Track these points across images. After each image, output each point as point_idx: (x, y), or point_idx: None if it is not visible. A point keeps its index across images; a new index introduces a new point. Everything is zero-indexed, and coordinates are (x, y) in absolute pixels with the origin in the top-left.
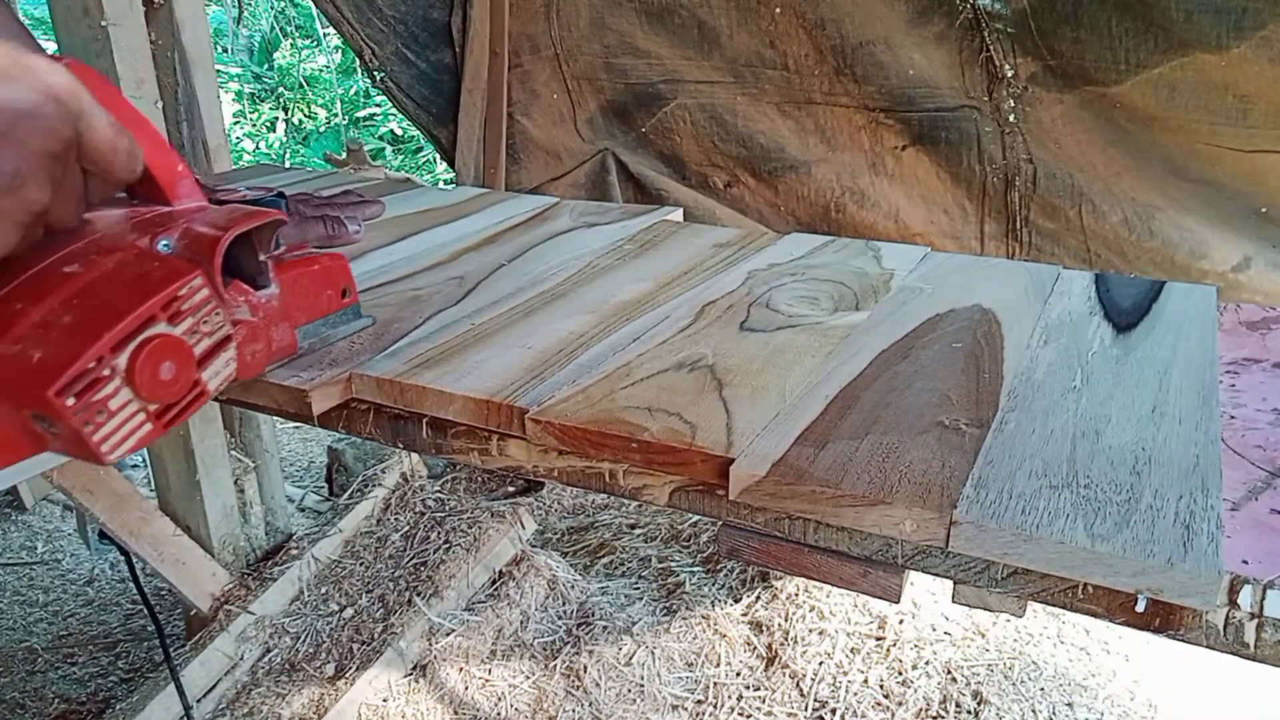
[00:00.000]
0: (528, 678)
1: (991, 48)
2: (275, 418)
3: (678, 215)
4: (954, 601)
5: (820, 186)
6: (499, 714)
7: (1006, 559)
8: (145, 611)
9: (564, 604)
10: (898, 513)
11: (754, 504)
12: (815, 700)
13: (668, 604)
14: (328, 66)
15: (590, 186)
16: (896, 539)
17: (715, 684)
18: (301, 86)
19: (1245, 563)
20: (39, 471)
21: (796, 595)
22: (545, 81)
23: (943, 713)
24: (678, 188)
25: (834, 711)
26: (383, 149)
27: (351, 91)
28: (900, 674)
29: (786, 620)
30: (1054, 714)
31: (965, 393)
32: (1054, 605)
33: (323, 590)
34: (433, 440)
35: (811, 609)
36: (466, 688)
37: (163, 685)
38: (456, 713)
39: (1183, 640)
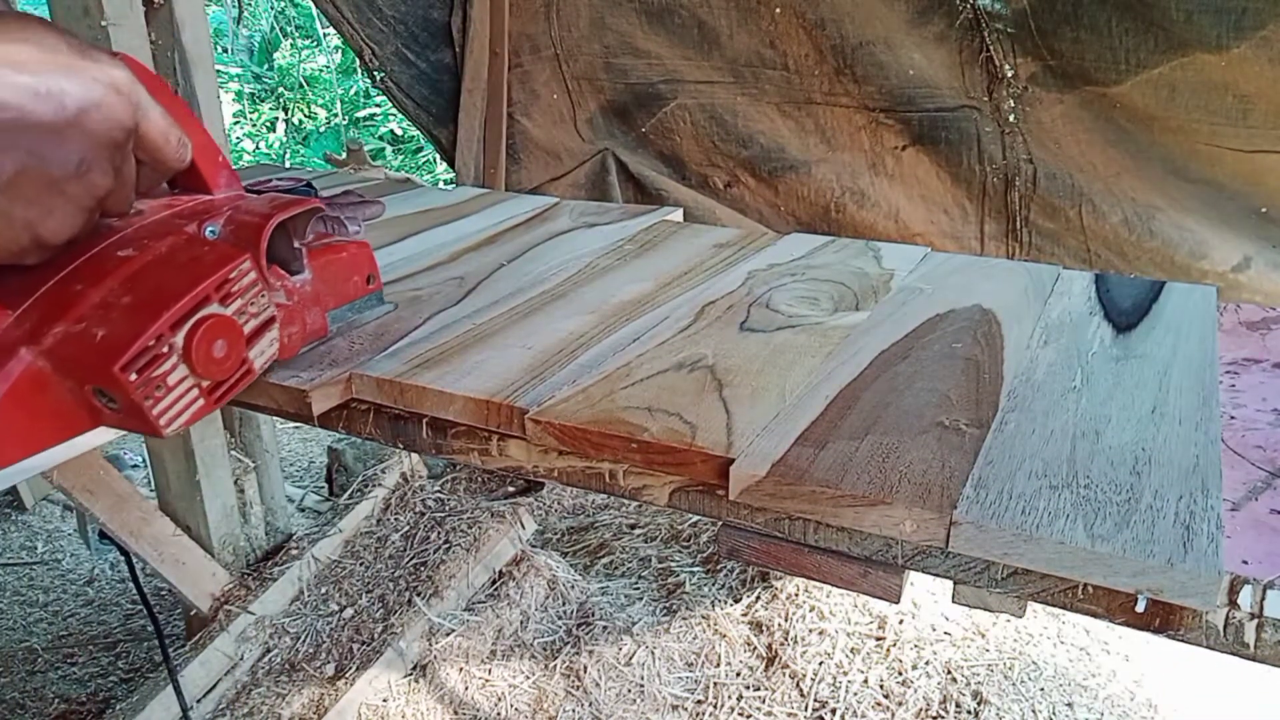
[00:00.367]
0: (528, 678)
1: (991, 48)
2: (275, 418)
3: (678, 215)
4: (954, 602)
5: (820, 186)
6: (499, 714)
7: (1006, 559)
8: (145, 611)
9: (564, 604)
10: (898, 513)
11: (754, 504)
12: (815, 700)
13: (668, 604)
14: (328, 66)
15: (590, 186)
16: (896, 539)
17: (715, 684)
18: (301, 86)
19: (1245, 563)
20: (95, 445)
21: (796, 595)
22: (545, 81)
23: (943, 713)
24: (678, 188)
25: (834, 711)
26: (383, 149)
27: (351, 91)
28: (900, 674)
29: (786, 620)
30: (1054, 714)
31: (965, 393)
32: (1054, 605)
33: (323, 590)
34: (433, 440)
35: (811, 609)
36: (466, 688)
37: (162, 685)
38: (456, 713)
39: (1183, 640)
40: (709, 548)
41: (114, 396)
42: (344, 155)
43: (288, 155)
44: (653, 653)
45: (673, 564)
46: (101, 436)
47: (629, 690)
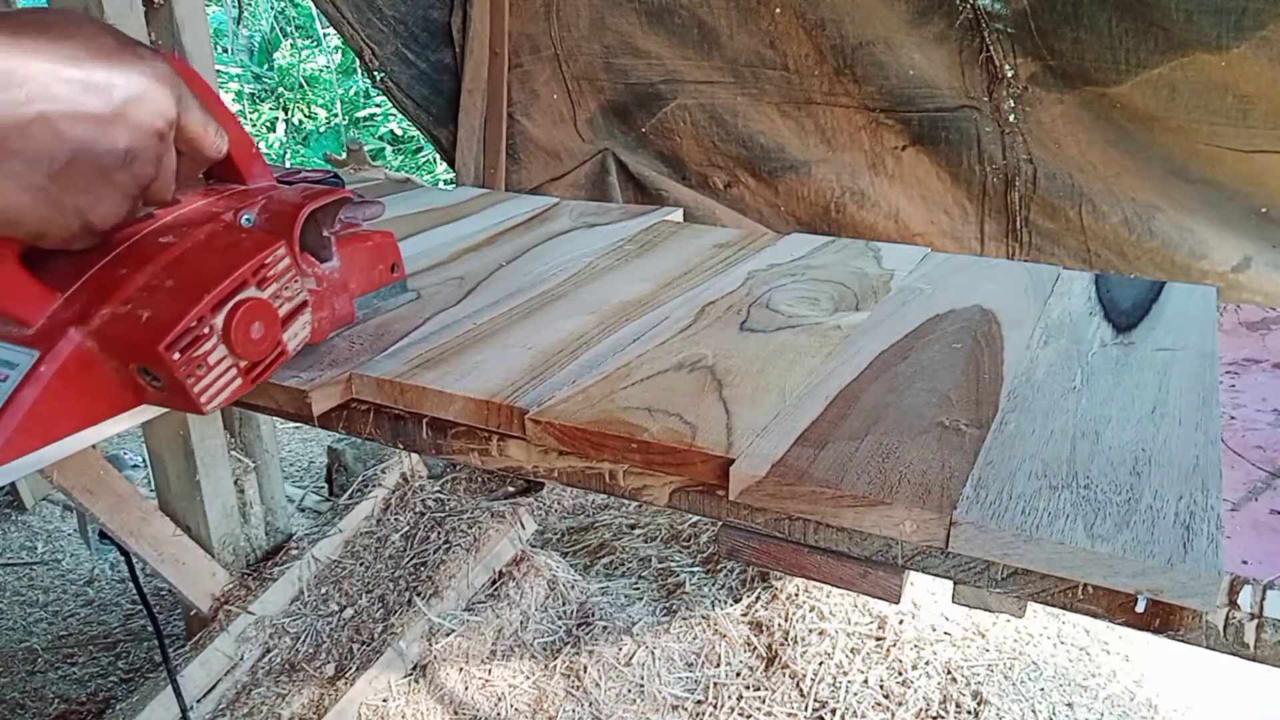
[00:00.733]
0: (528, 678)
1: (991, 48)
2: (275, 418)
3: (678, 215)
4: (954, 602)
5: (820, 187)
6: (499, 714)
7: (1006, 559)
8: (145, 611)
9: (564, 604)
10: (898, 513)
11: (754, 504)
12: (815, 700)
13: (668, 604)
14: (328, 66)
15: (590, 187)
16: (896, 539)
17: (715, 684)
18: (301, 86)
19: (1245, 563)
20: (137, 423)
21: (796, 595)
22: (545, 81)
23: (943, 713)
24: (678, 188)
25: (834, 711)
26: (383, 149)
27: (351, 91)
28: (900, 674)
29: (786, 620)
30: (1054, 714)
31: (965, 393)
32: (1054, 605)
33: (323, 590)
34: (433, 441)
35: (811, 609)
36: (466, 688)
37: (162, 685)
38: (456, 713)
39: (1183, 641)
40: (709, 548)
41: (158, 375)
42: (344, 155)
43: (288, 155)
44: (653, 653)
45: (673, 564)
46: (144, 414)
47: (629, 690)
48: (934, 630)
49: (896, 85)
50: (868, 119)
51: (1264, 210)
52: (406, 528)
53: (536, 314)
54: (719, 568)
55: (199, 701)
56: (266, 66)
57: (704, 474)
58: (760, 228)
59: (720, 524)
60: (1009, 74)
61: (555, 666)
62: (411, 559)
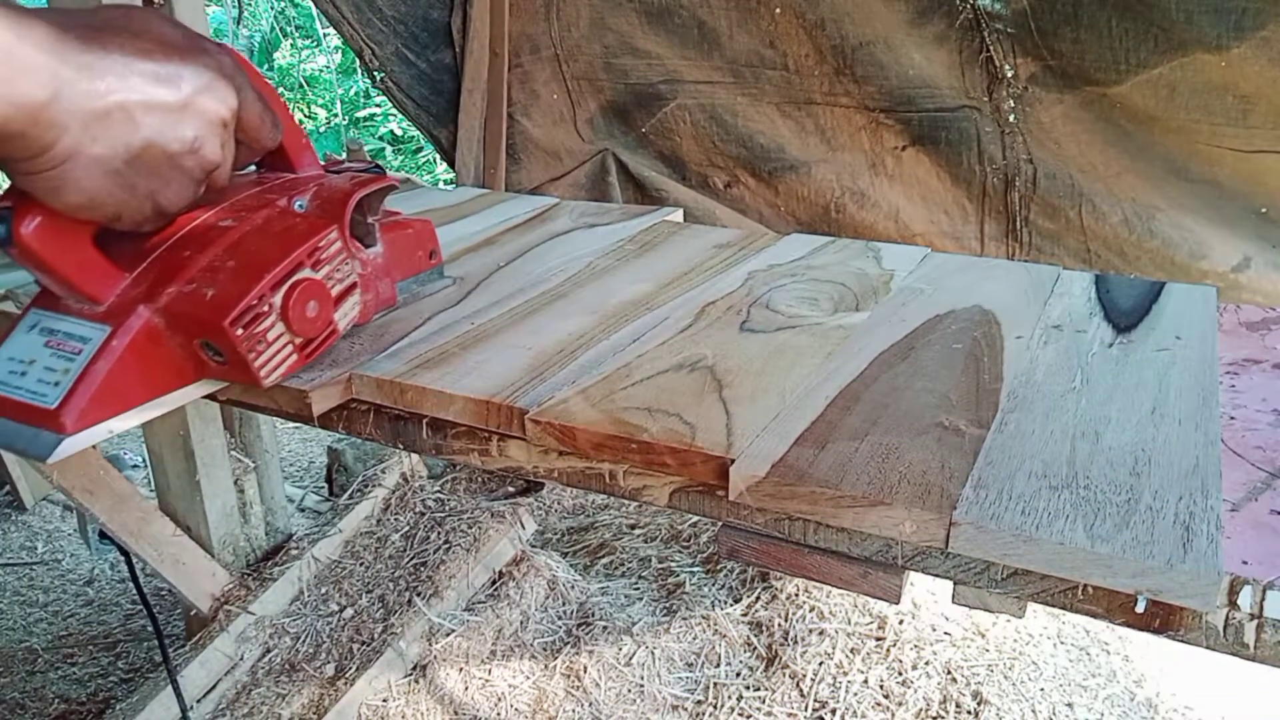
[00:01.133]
0: (528, 678)
1: (991, 48)
2: (275, 418)
3: (678, 216)
4: (954, 602)
5: (820, 187)
6: (499, 714)
7: (1006, 560)
8: (145, 611)
9: (564, 604)
10: (897, 514)
11: (754, 505)
12: (815, 700)
13: (668, 604)
14: (328, 66)
15: (590, 187)
16: (896, 540)
17: (715, 684)
18: (301, 86)
19: (1245, 563)
20: (196, 397)
21: (796, 595)
22: (545, 81)
23: (943, 713)
24: (678, 188)
25: (834, 712)
26: (383, 149)
27: (351, 91)
28: (900, 674)
29: (786, 620)
30: (1054, 714)
31: (965, 393)
32: (1054, 606)
33: (323, 590)
34: (433, 441)
35: (811, 609)
36: (466, 688)
37: (162, 686)
38: (456, 713)
39: (1183, 641)
40: (709, 548)
41: (220, 349)
42: (344, 155)
43: None
44: (653, 653)
45: (673, 564)
46: (203, 389)
47: (629, 690)
48: (934, 630)
49: (896, 85)
50: (868, 119)
51: (1264, 210)
52: (406, 528)
53: (536, 314)
54: (719, 568)
55: (199, 701)
56: (266, 67)
57: (704, 474)
58: (760, 228)
59: (720, 524)
60: (1009, 74)
61: (555, 666)
62: (411, 559)
